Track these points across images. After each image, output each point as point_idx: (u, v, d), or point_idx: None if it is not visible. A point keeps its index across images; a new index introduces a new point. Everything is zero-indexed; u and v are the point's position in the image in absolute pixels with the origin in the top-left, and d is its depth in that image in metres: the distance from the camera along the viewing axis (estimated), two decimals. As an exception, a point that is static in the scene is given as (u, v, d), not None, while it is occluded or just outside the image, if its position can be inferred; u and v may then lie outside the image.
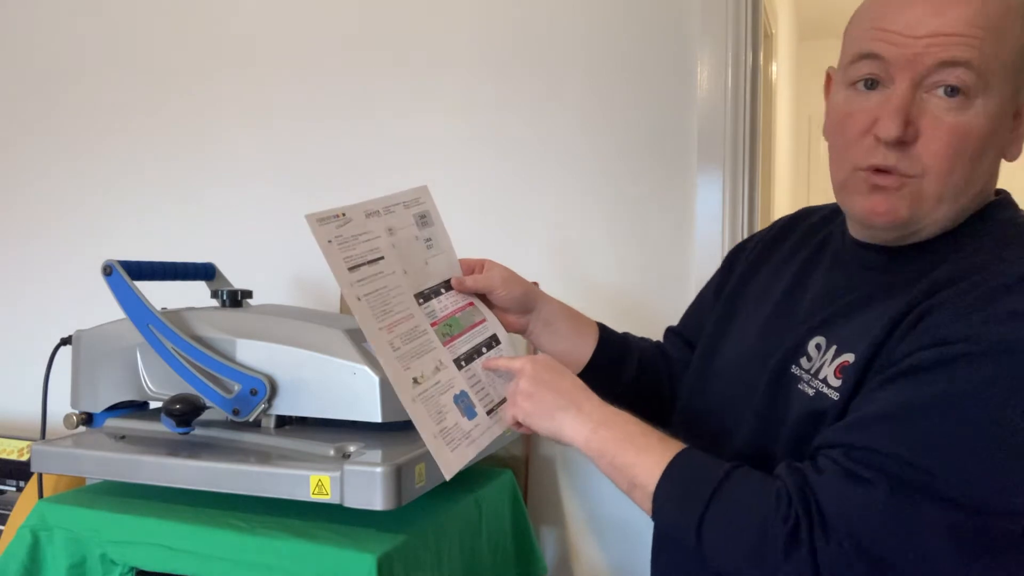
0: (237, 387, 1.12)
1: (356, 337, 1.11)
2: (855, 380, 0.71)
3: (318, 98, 1.73)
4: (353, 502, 0.99)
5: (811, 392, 0.76)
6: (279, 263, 1.71)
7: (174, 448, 1.13)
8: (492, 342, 0.99)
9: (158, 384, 1.21)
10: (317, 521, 1.06)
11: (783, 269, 0.91)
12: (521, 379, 0.86)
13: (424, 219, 1.00)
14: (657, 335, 1.13)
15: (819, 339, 0.78)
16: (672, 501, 0.74)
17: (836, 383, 0.73)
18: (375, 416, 1.07)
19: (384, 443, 1.07)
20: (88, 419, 1.27)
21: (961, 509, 0.62)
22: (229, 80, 1.82)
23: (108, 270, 1.20)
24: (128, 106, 1.91)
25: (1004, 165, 0.77)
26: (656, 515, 0.76)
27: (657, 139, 1.50)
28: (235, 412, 1.12)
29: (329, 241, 0.86)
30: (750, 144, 1.50)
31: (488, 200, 1.61)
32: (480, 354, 0.96)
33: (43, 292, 1.99)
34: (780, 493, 0.68)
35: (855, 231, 0.82)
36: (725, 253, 1.11)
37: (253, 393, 1.12)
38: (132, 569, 1.09)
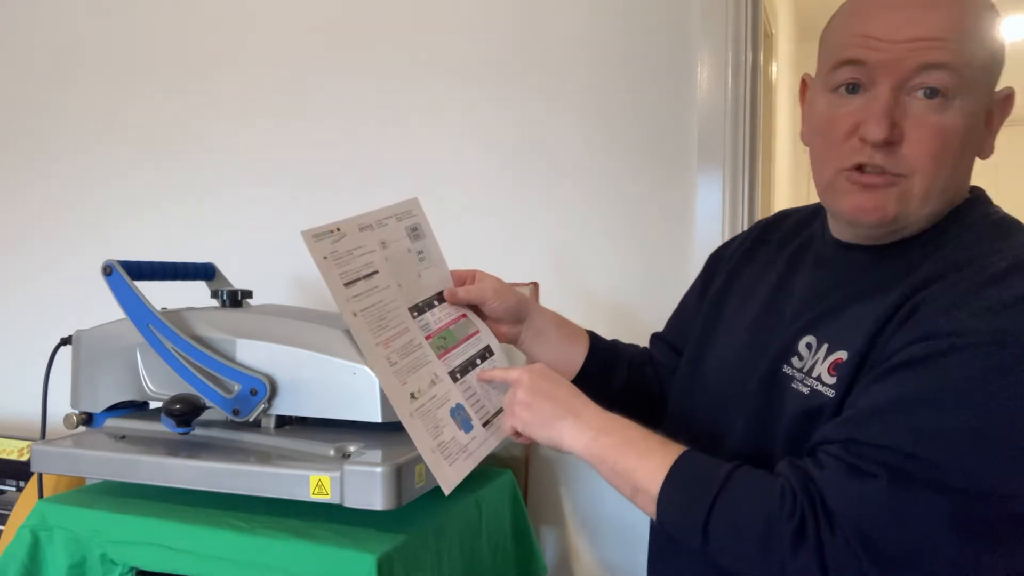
0: (237, 387, 1.12)
1: (356, 337, 1.11)
2: (850, 377, 0.73)
3: (318, 98, 1.73)
4: (353, 502, 0.99)
5: (805, 390, 0.76)
6: (279, 263, 1.71)
7: (174, 448, 1.13)
8: (486, 353, 0.99)
9: (158, 384, 1.21)
10: (317, 521, 1.06)
11: (767, 271, 0.93)
12: (518, 389, 0.86)
13: (416, 231, 1.00)
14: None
15: (809, 338, 0.79)
16: (676, 503, 0.75)
17: (830, 380, 0.74)
18: (375, 416, 1.07)
19: (384, 443, 1.07)
20: (88, 419, 1.27)
21: (962, 497, 0.64)
22: (229, 80, 1.82)
23: (108, 270, 1.20)
24: (128, 106, 1.91)
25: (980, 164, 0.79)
26: (660, 518, 0.76)
27: (657, 139, 1.50)
28: (235, 412, 1.12)
29: (325, 257, 0.86)
30: (750, 144, 1.50)
31: (487, 200, 1.60)
32: (474, 366, 0.96)
33: (43, 292, 1.99)
34: (784, 490, 0.69)
35: (839, 231, 0.84)
36: (725, 253, 1.11)
37: (253, 393, 1.12)
38: (132, 569, 1.09)
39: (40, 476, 1.27)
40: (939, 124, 0.72)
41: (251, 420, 1.13)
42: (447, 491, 0.84)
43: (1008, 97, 0.77)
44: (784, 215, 1.00)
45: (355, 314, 0.86)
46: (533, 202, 1.58)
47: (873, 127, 0.72)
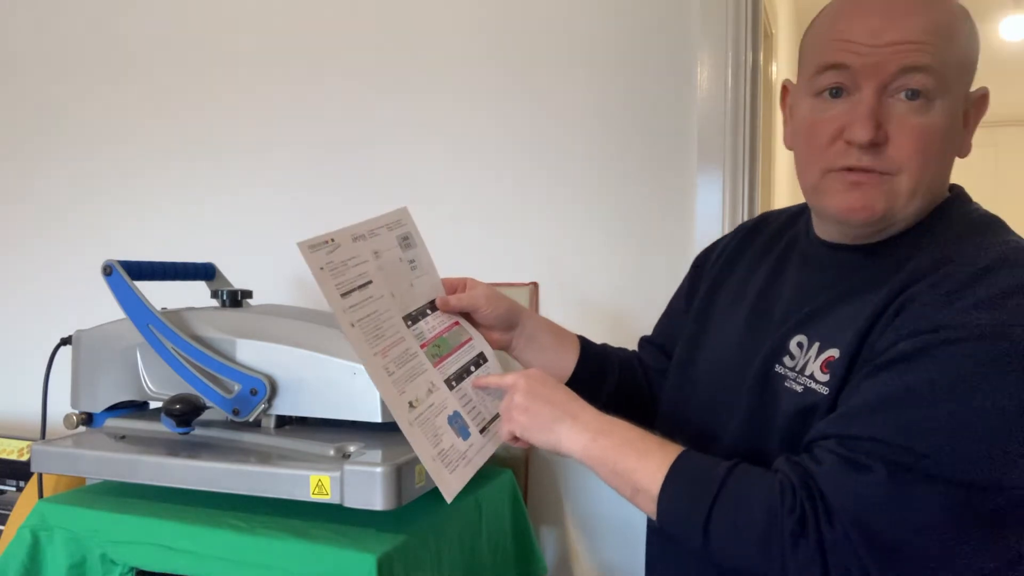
0: (237, 387, 1.12)
1: (356, 337, 1.11)
2: (842, 374, 0.74)
3: (318, 98, 1.73)
4: (353, 502, 0.99)
5: (799, 389, 0.78)
6: (279, 263, 1.71)
7: (174, 448, 1.13)
8: (480, 360, 1.00)
9: (158, 384, 1.21)
10: (317, 521, 1.06)
11: (754, 272, 0.94)
12: (515, 394, 0.86)
13: (407, 240, 1.01)
14: (657, 335, 1.13)
15: (800, 337, 0.80)
16: (677, 503, 0.75)
17: (824, 378, 0.76)
18: (375, 416, 1.07)
19: (384, 443, 1.07)
20: (88, 419, 1.27)
21: (955, 487, 0.65)
22: (229, 79, 1.82)
23: (108, 270, 1.20)
24: (128, 106, 1.91)
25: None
26: (661, 518, 0.76)
27: (657, 139, 1.50)
28: (235, 412, 1.12)
29: (321, 268, 0.86)
30: (750, 144, 1.50)
31: (487, 200, 1.60)
32: (469, 373, 0.97)
33: (43, 292, 1.99)
34: (784, 486, 0.70)
35: (824, 232, 0.86)
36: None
37: (253, 393, 1.12)
38: (132, 569, 1.09)
39: (40, 476, 1.27)
40: (922, 124, 0.74)
41: (251, 420, 1.13)
42: (449, 499, 0.85)
43: (983, 97, 0.80)
44: (767, 217, 1.02)
45: (352, 325, 0.87)
46: (533, 202, 1.58)
47: (859, 129, 0.74)
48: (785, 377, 0.80)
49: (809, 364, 0.78)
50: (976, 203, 0.82)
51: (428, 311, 0.99)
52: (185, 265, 1.37)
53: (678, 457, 0.77)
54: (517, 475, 1.46)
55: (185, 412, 1.08)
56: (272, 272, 1.69)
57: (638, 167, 1.51)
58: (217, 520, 1.07)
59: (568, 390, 0.87)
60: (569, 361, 1.05)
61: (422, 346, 0.94)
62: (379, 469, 0.98)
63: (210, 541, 1.05)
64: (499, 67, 1.59)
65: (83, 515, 1.12)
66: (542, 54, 1.57)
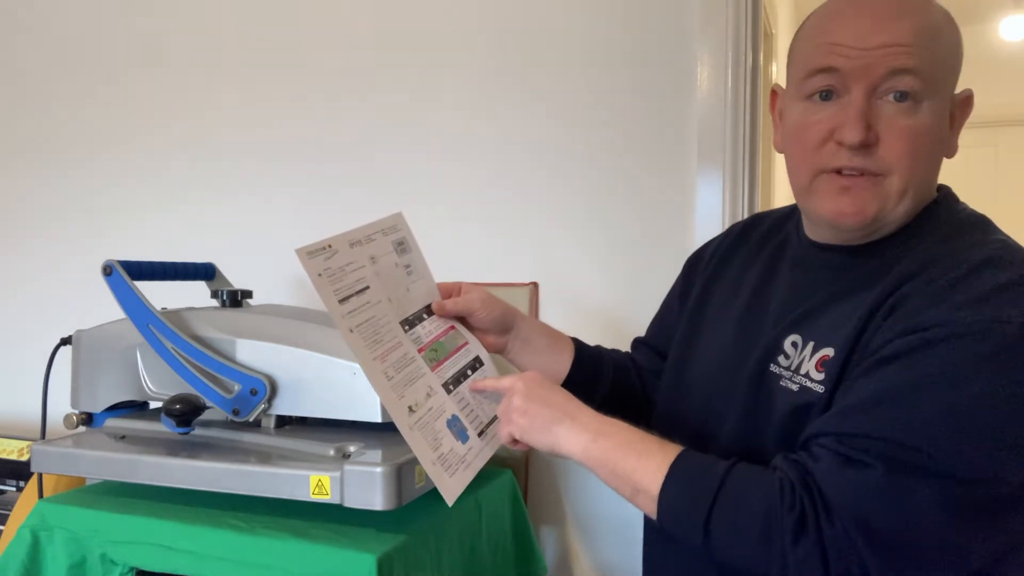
0: (237, 387, 1.12)
1: (356, 337, 1.11)
2: (837, 373, 0.75)
3: (318, 98, 1.73)
4: (353, 502, 0.99)
5: (795, 388, 0.79)
6: (279, 263, 1.70)
7: (174, 448, 1.13)
8: (476, 364, 1.00)
9: (158, 384, 1.21)
10: (317, 521, 1.06)
11: (747, 273, 0.95)
12: (514, 396, 0.87)
13: (402, 245, 1.01)
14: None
15: (794, 337, 0.81)
16: (677, 502, 0.76)
17: (819, 377, 0.77)
18: (375, 416, 1.07)
19: (384, 443, 1.07)
20: (88, 419, 1.27)
21: (951, 481, 0.66)
22: (229, 80, 1.82)
23: (108, 270, 1.20)
24: (128, 107, 1.91)
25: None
26: (661, 518, 0.77)
27: (657, 139, 1.50)
28: (235, 412, 1.12)
29: (319, 274, 0.87)
30: (750, 144, 1.50)
31: (487, 200, 1.60)
32: (466, 377, 0.97)
33: (43, 292, 1.99)
34: (783, 484, 0.71)
35: (815, 233, 0.87)
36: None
37: (253, 393, 1.12)
38: (132, 569, 1.09)
39: (40, 476, 1.27)
40: (911, 126, 0.75)
41: (251, 420, 1.13)
42: (450, 502, 0.86)
43: (967, 99, 0.81)
44: (758, 218, 1.02)
45: (351, 330, 0.87)
46: (533, 202, 1.58)
47: (849, 131, 0.75)
48: (780, 376, 0.81)
49: (804, 363, 0.79)
50: (964, 203, 0.83)
51: (424, 316, 0.99)
52: (185, 265, 1.37)
53: (678, 457, 0.77)
54: (517, 475, 1.46)
55: (185, 412, 1.08)
56: (272, 272, 1.69)
57: (638, 167, 1.51)
58: (217, 520, 1.07)
59: (566, 392, 0.87)
60: (563, 364, 1.05)
61: (419, 350, 0.94)
62: (379, 469, 0.98)
63: (210, 541, 1.05)
64: (499, 67, 1.59)
65: (83, 515, 1.12)
66: (542, 54, 1.57)
